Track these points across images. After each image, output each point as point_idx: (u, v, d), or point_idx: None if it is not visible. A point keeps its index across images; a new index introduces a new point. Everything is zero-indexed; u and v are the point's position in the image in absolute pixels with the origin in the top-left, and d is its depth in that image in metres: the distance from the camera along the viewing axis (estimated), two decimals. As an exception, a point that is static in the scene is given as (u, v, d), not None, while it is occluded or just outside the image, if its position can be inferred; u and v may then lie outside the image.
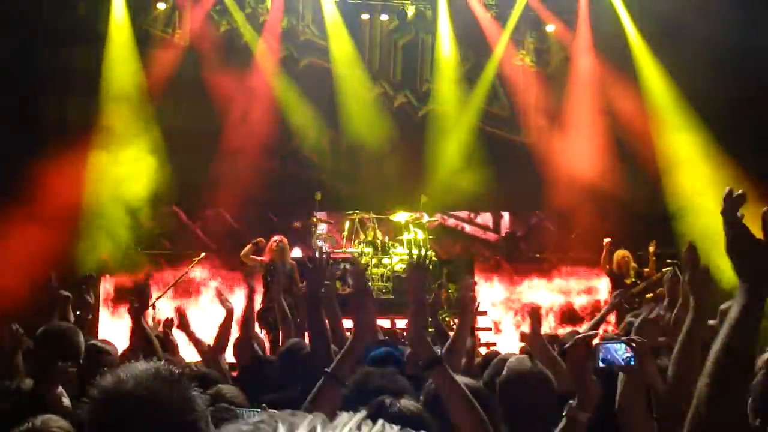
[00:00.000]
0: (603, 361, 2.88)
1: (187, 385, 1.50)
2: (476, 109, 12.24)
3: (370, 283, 9.55)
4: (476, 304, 4.03)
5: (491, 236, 12.34)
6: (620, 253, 9.29)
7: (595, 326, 5.43)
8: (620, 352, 2.76)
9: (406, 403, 2.46)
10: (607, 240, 9.43)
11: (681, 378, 2.64)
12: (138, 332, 4.41)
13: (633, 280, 9.18)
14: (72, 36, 10.98)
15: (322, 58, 12.06)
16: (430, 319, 4.40)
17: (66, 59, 11.00)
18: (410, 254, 9.78)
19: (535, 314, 3.63)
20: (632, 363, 2.65)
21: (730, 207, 1.71)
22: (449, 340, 3.78)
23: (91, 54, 10.86)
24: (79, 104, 10.70)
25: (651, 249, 9.35)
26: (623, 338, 2.73)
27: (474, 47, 12.18)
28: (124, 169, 10.15)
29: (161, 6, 11.43)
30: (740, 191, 1.73)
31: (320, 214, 10.61)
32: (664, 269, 8.84)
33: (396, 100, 12.35)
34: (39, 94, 10.85)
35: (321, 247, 10.24)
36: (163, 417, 1.42)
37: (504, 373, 2.65)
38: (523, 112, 12.29)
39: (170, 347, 4.92)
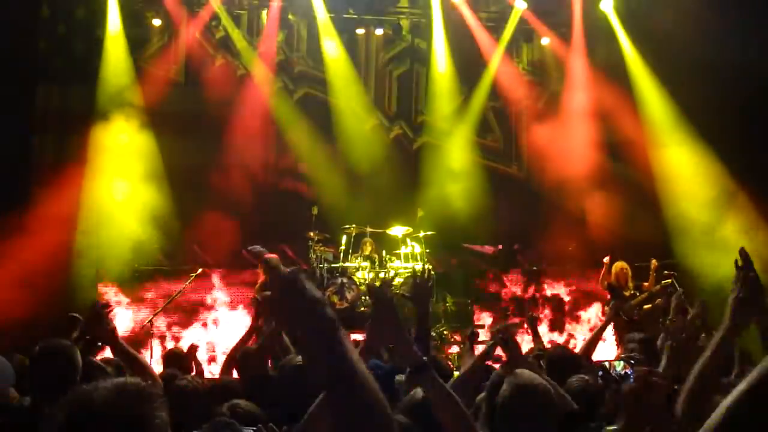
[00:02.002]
0: (602, 378, 2.87)
1: (151, 399, 1.57)
2: (470, 141, 12.32)
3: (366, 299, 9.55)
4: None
5: (488, 248, 12.30)
6: (618, 264, 9.26)
7: (593, 341, 5.39)
8: (618, 369, 2.76)
9: (396, 417, 2.48)
10: (606, 258, 9.40)
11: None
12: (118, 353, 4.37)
13: (632, 292, 9.15)
14: (69, 74, 11.04)
15: (317, 89, 12.15)
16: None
17: (62, 97, 11.06)
18: (414, 269, 9.77)
19: (508, 340, 3.39)
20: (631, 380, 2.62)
21: (745, 268, 1.97)
22: (464, 370, 3.68)
23: (87, 91, 10.89)
24: (77, 136, 10.64)
25: (652, 266, 9.32)
26: (623, 356, 2.72)
27: (468, 67, 12.22)
28: (122, 187, 10.22)
29: (156, 23, 11.52)
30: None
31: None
32: (663, 281, 8.86)
33: (392, 132, 12.46)
34: (37, 130, 10.92)
35: (318, 263, 10.20)
36: (123, 428, 1.51)
37: (506, 387, 2.58)
38: (517, 143, 12.44)
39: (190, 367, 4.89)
